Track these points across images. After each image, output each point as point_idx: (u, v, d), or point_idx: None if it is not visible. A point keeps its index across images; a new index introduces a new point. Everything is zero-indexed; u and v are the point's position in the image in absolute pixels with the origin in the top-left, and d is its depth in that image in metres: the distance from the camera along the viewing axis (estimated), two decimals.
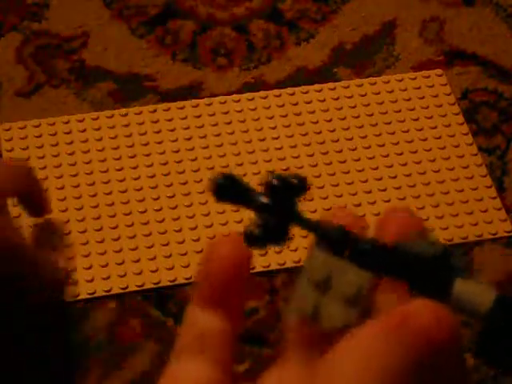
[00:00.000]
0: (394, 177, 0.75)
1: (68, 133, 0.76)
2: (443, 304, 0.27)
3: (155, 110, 0.78)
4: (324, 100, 0.80)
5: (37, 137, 0.76)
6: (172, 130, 0.77)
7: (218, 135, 0.77)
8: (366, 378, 0.25)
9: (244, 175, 0.74)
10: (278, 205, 0.29)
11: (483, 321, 0.26)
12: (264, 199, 0.30)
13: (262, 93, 0.80)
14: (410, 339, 0.25)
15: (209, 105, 0.79)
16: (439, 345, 0.25)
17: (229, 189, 0.31)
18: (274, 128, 0.78)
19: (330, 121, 0.78)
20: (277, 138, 0.77)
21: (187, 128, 0.77)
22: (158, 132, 0.77)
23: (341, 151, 0.76)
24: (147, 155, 0.75)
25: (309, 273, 0.28)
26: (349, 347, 0.26)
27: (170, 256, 0.69)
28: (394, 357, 0.25)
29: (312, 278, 0.28)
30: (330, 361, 0.26)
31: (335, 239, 0.28)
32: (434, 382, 0.26)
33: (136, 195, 0.73)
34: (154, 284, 0.68)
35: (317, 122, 0.78)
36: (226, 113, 0.78)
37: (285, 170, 0.75)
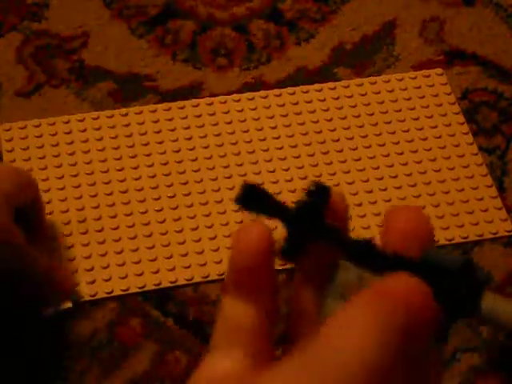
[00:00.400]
0: (395, 176, 0.75)
1: (68, 133, 0.76)
2: (472, 317, 0.28)
3: (155, 110, 0.78)
4: (324, 99, 0.80)
5: (37, 137, 0.76)
6: (172, 130, 0.77)
7: (219, 135, 0.77)
8: (352, 350, 0.25)
9: (244, 175, 0.74)
10: (304, 216, 0.30)
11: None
12: (291, 212, 0.30)
13: (263, 92, 0.80)
14: (390, 307, 0.26)
15: (209, 104, 0.79)
16: (417, 311, 0.26)
17: (255, 199, 0.30)
18: (274, 128, 0.78)
19: (331, 120, 0.78)
20: (277, 138, 0.77)
21: (188, 128, 0.77)
22: (158, 132, 0.77)
23: (341, 151, 0.76)
24: (148, 155, 0.75)
25: (337, 285, 0.28)
26: (336, 324, 0.26)
27: (171, 257, 0.69)
28: (380, 327, 0.26)
29: (341, 290, 0.28)
30: (318, 340, 0.26)
31: (362, 253, 0.28)
32: (415, 353, 0.27)
33: (137, 195, 0.72)
34: (155, 285, 0.68)
35: (317, 122, 0.78)
36: (227, 112, 0.78)
37: (285, 170, 0.75)
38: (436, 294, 0.26)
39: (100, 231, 0.70)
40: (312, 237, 0.29)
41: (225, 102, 0.79)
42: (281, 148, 0.76)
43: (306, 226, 0.29)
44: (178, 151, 0.76)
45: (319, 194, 0.30)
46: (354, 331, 0.26)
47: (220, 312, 0.31)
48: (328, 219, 0.30)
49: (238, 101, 0.79)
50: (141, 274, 0.68)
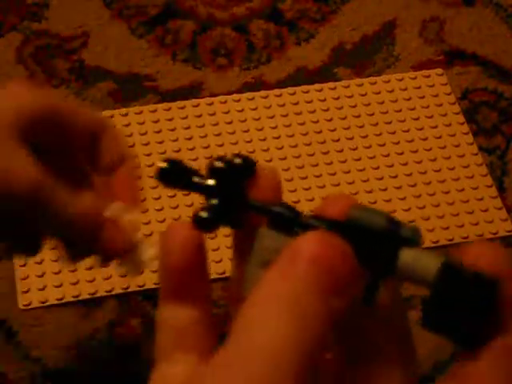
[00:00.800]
0: (395, 176, 0.75)
1: None
2: (391, 275, 0.27)
3: (156, 110, 0.78)
4: (324, 100, 0.80)
5: None
6: (172, 130, 0.77)
7: (219, 135, 0.77)
8: (277, 321, 0.25)
9: None
10: (224, 187, 0.29)
11: (429, 288, 0.26)
12: (210, 182, 0.29)
13: (263, 92, 0.80)
14: (304, 270, 0.25)
15: (209, 104, 0.79)
16: (334, 267, 0.26)
17: (173, 173, 0.30)
18: (274, 128, 0.78)
19: (331, 120, 0.78)
20: (277, 138, 0.77)
21: (188, 128, 0.77)
22: (158, 132, 0.77)
23: (341, 151, 0.76)
24: (148, 155, 0.75)
25: (259, 253, 0.28)
26: (257, 298, 0.26)
27: None
28: (298, 291, 0.25)
29: (261, 258, 0.28)
30: (241, 315, 0.25)
31: (285, 218, 0.28)
32: (339, 314, 0.26)
33: None
34: (155, 284, 0.68)
35: (317, 122, 0.78)
36: (227, 112, 0.78)
37: (286, 169, 0.75)
38: (358, 254, 0.26)
39: None
40: (233, 209, 0.29)
41: (225, 102, 0.79)
42: (281, 148, 0.76)
43: (226, 200, 0.29)
44: (178, 151, 0.76)
45: (242, 167, 0.29)
46: (269, 312, 0.25)
47: (159, 321, 0.30)
48: (258, 195, 0.30)
49: (239, 101, 0.79)
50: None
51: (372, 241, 0.27)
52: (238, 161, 0.30)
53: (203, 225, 0.29)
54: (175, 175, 0.30)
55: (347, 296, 0.26)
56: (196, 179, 0.30)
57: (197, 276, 0.30)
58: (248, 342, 0.25)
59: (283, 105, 0.79)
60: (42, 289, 0.67)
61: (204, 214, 0.29)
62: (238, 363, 0.24)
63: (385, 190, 0.74)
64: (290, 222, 0.28)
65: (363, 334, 0.28)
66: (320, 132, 0.77)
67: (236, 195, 0.29)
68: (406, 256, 0.26)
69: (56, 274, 0.68)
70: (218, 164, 0.30)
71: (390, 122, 0.78)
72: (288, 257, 0.26)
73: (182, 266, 0.29)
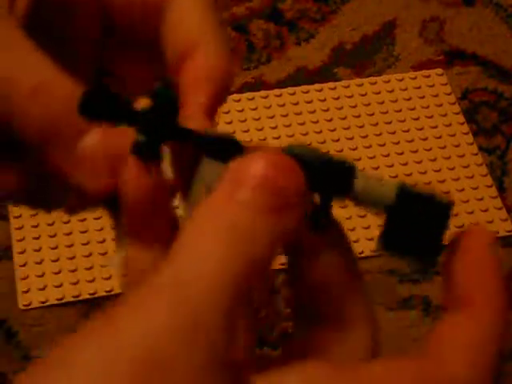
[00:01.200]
0: (395, 176, 0.75)
1: None
2: (345, 197, 0.26)
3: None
4: (324, 100, 0.80)
5: None
6: None
7: None
8: (213, 245, 0.23)
9: None
10: (156, 117, 0.27)
11: (387, 211, 0.26)
12: (140, 108, 0.27)
13: (263, 92, 0.80)
14: (249, 194, 0.24)
15: None
16: (281, 189, 0.24)
17: (99, 103, 0.27)
18: (274, 128, 0.78)
19: (331, 120, 0.78)
20: (277, 138, 0.77)
21: None
22: None
23: (341, 151, 0.76)
24: None
25: (202, 177, 0.27)
26: (195, 222, 0.24)
27: None
28: (238, 215, 0.24)
29: (205, 182, 0.27)
30: (179, 239, 0.24)
31: (220, 147, 0.27)
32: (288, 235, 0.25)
33: None
34: None
35: (317, 122, 0.78)
36: (227, 112, 0.78)
37: None
38: (307, 176, 0.25)
39: (99, 230, 0.70)
40: (164, 138, 0.28)
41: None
42: None
43: (156, 131, 0.27)
44: None
45: (167, 96, 0.28)
46: (205, 237, 0.23)
47: (124, 262, 0.28)
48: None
49: (239, 101, 0.79)
50: None
51: (323, 170, 0.27)
52: (161, 90, 0.27)
53: (143, 150, 0.27)
54: (101, 107, 0.27)
55: (293, 216, 0.25)
56: (123, 109, 0.27)
57: (158, 217, 0.28)
58: (180, 267, 0.23)
59: (283, 105, 0.79)
60: (42, 289, 0.67)
61: (141, 137, 0.27)
62: (168, 289, 0.23)
63: None
64: (228, 150, 0.27)
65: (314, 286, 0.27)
66: (320, 132, 0.77)
67: (165, 126, 0.28)
68: (362, 181, 0.27)
69: (56, 273, 0.68)
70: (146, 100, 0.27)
71: (390, 122, 0.78)
72: (231, 180, 0.24)
73: (139, 207, 0.28)
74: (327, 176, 0.27)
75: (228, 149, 0.28)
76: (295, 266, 0.28)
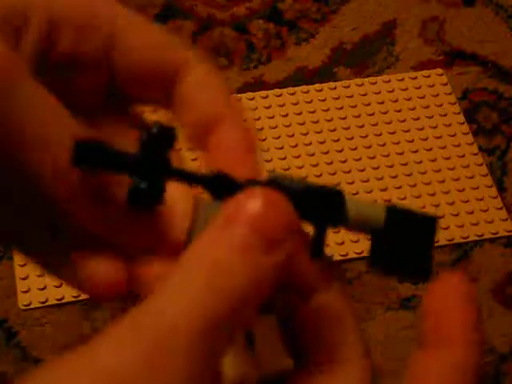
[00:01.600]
0: (395, 176, 0.75)
1: None
2: (339, 225, 0.27)
3: (156, 110, 0.78)
4: (325, 99, 0.80)
5: None
6: None
7: None
8: (194, 289, 0.23)
9: None
10: (150, 160, 0.27)
11: (377, 233, 0.27)
12: (134, 158, 0.27)
13: (263, 92, 0.80)
14: (242, 232, 0.24)
15: None
16: (276, 224, 0.24)
17: (92, 153, 0.27)
18: (274, 128, 0.78)
19: (331, 120, 0.78)
20: (277, 138, 0.77)
21: None
22: None
23: (341, 150, 0.76)
24: None
25: (198, 222, 0.28)
26: (181, 263, 0.24)
27: None
28: (223, 257, 0.24)
29: (205, 219, 0.27)
30: (165, 280, 0.24)
31: (215, 185, 0.27)
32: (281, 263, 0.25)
33: None
34: None
35: (317, 122, 0.78)
36: None
37: (286, 169, 0.75)
38: (298, 207, 0.26)
39: None
40: (164, 180, 0.28)
41: None
42: (281, 148, 0.76)
43: (152, 174, 0.27)
44: (178, 150, 0.76)
45: (162, 136, 0.28)
46: (188, 279, 0.23)
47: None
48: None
49: (239, 101, 0.79)
50: None
51: (314, 196, 0.27)
52: (155, 130, 0.27)
53: (144, 197, 0.27)
54: (94, 157, 0.27)
55: (282, 252, 0.25)
56: (117, 157, 0.27)
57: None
58: (158, 311, 0.23)
59: (283, 105, 0.79)
60: (42, 289, 0.67)
61: (143, 185, 0.27)
62: (143, 330, 0.23)
63: (385, 189, 0.74)
64: (221, 190, 0.28)
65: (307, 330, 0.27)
66: (320, 132, 0.77)
67: (162, 169, 0.28)
68: (353, 209, 0.27)
69: None
70: (144, 136, 0.27)
71: (390, 122, 0.78)
72: (222, 218, 0.25)
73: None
74: (319, 206, 0.27)
75: (224, 186, 0.28)
76: (287, 305, 0.28)
